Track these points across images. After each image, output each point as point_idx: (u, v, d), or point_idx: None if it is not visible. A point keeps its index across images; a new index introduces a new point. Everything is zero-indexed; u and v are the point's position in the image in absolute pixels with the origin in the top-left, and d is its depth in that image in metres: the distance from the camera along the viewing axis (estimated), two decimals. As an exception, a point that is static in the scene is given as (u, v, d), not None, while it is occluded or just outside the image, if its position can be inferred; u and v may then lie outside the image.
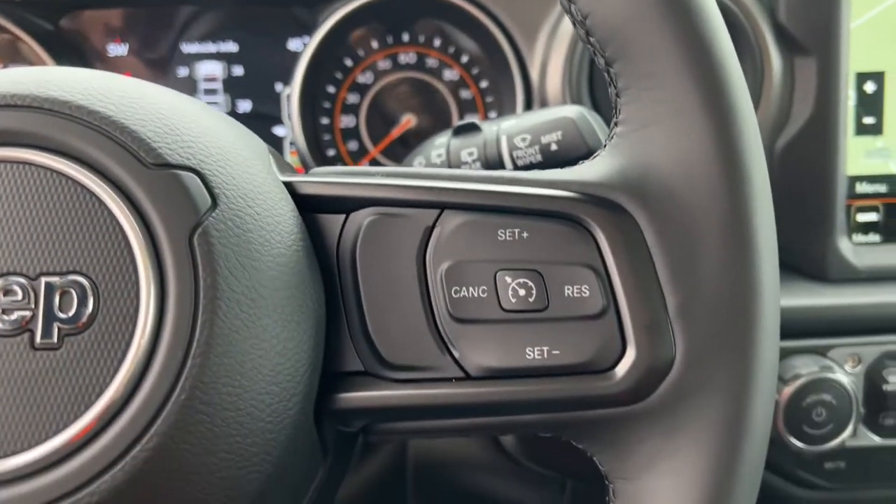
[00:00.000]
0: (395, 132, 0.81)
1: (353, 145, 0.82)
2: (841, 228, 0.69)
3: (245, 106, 0.83)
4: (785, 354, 0.64)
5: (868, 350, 0.65)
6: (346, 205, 0.38)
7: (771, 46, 0.69)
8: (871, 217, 0.71)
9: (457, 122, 0.81)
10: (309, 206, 0.38)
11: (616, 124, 0.37)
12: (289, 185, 0.39)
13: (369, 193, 0.38)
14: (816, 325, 0.65)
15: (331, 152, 0.81)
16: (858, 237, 0.72)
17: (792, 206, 0.70)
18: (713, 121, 0.35)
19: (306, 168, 0.78)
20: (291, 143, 0.82)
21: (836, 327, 0.65)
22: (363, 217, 0.38)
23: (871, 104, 0.70)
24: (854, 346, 0.65)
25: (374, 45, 0.81)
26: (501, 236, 0.36)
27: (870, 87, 0.70)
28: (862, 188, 0.71)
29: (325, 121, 0.81)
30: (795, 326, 0.65)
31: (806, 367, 0.63)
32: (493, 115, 0.82)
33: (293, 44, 0.82)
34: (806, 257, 0.70)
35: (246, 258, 0.33)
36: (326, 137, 0.81)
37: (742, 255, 0.34)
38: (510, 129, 0.55)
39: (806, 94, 0.69)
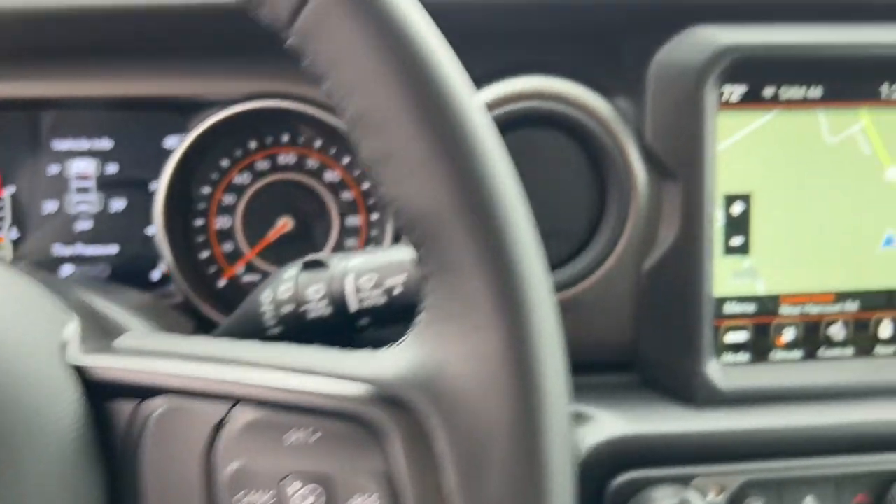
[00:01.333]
0: (272, 235, 0.79)
1: (228, 247, 0.79)
2: (708, 350, 0.69)
3: (118, 205, 0.80)
4: (645, 485, 0.63)
5: (731, 479, 0.64)
6: (139, 392, 0.36)
7: (637, 168, 0.69)
8: (741, 337, 0.72)
9: (336, 225, 0.80)
10: (99, 393, 0.36)
11: (422, 309, 0.36)
12: (80, 370, 0.36)
13: (162, 382, 0.36)
14: (681, 452, 0.65)
15: (204, 254, 0.79)
16: (727, 357, 0.72)
17: (659, 328, 0.70)
18: (504, 322, 0.33)
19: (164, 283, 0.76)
20: (166, 243, 0.79)
21: (701, 454, 0.65)
22: (154, 407, 0.36)
23: (738, 225, 0.71)
24: (718, 474, 0.64)
25: (253, 145, 0.79)
26: (291, 438, 0.35)
27: (737, 208, 0.70)
28: (730, 308, 0.71)
29: (199, 222, 0.79)
30: (660, 454, 0.64)
31: (666, 500, 0.62)
32: (374, 216, 0.80)
33: (169, 141, 0.80)
34: (674, 380, 0.69)
35: (8, 468, 0.31)
36: (200, 239, 0.79)
37: (530, 471, 0.33)
38: (358, 268, 0.54)
39: (672, 216, 0.69)
